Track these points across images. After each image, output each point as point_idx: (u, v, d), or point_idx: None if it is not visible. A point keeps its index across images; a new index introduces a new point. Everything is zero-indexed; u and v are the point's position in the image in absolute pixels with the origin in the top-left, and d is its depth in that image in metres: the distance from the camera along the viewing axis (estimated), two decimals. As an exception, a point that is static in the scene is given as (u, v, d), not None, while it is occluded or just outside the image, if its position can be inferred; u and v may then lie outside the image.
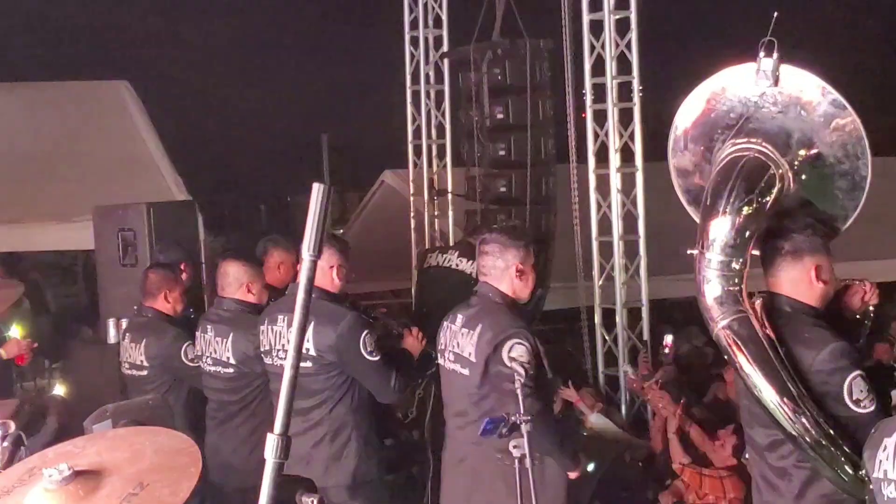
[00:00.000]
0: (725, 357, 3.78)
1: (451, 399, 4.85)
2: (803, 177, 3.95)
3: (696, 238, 3.77)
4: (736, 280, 3.68)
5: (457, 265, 6.97)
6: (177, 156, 11.73)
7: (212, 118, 19.65)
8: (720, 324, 3.65)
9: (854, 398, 3.51)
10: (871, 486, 2.79)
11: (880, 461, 2.72)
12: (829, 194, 3.98)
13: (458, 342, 4.75)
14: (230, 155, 19.85)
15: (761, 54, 3.84)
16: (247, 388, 5.64)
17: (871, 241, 11.98)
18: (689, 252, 3.81)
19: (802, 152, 3.92)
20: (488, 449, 4.55)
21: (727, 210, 3.71)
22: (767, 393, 3.55)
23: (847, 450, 3.48)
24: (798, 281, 3.78)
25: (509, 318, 4.68)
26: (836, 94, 3.90)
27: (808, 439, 3.52)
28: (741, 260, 3.71)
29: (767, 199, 3.79)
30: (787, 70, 3.88)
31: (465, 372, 4.70)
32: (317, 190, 2.04)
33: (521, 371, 4.43)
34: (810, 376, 3.59)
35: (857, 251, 11.87)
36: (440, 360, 4.93)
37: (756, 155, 3.88)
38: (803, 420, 3.51)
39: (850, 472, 3.49)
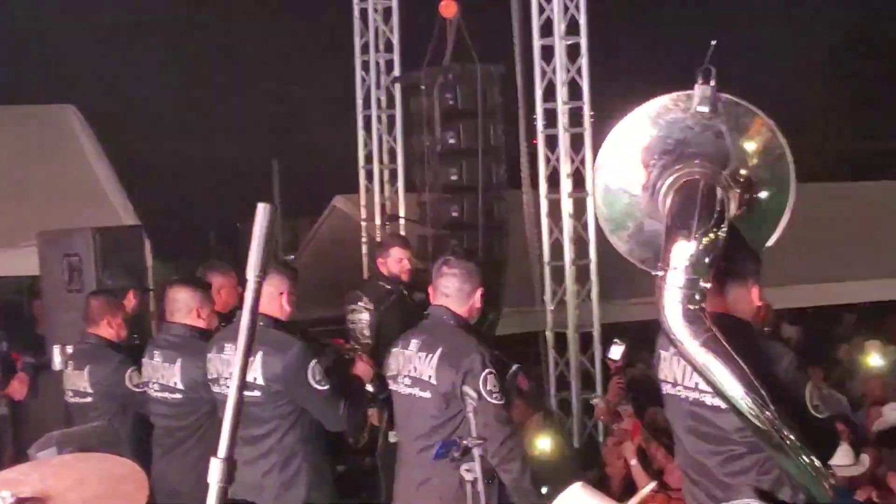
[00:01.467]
0: (699, 374, 3.84)
1: (409, 423, 4.81)
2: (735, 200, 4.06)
3: (661, 259, 3.81)
4: (698, 298, 3.74)
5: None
6: (126, 180, 11.60)
7: (161, 143, 19.51)
8: (698, 341, 3.69)
9: (813, 404, 3.78)
10: None
11: None
12: (754, 219, 4.10)
13: (415, 366, 4.72)
14: (180, 180, 19.70)
15: (699, 81, 3.87)
16: (194, 415, 5.58)
17: (816, 265, 12.14)
18: (656, 273, 3.84)
19: (737, 177, 4.01)
20: (451, 469, 4.52)
21: (696, 233, 3.76)
22: (744, 399, 3.66)
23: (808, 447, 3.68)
24: (740, 300, 4.00)
25: (467, 339, 4.74)
26: (769, 122, 3.99)
27: (774, 436, 3.66)
28: (705, 279, 3.77)
29: (725, 221, 3.86)
30: (723, 97, 3.93)
31: (426, 395, 4.68)
32: (261, 210, 2.00)
33: (474, 394, 4.43)
34: (776, 385, 3.74)
35: (801, 275, 12.04)
36: (393, 386, 4.90)
37: (708, 179, 3.93)
38: (775, 420, 3.65)
39: (811, 461, 3.69)
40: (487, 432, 4.52)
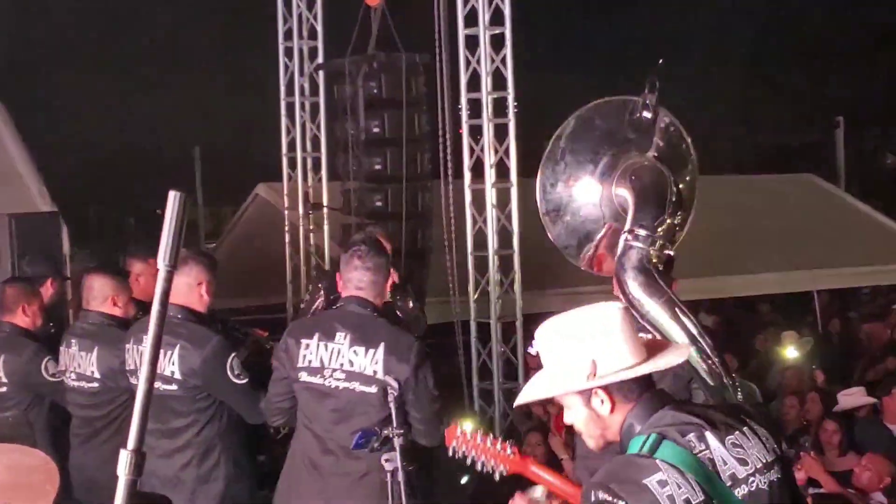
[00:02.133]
0: (655, 330, 4.14)
1: (345, 417, 4.70)
2: None
3: (630, 223, 4.21)
4: (660, 258, 4.17)
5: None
6: (43, 165, 11.38)
7: (80, 127, 19.18)
8: (662, 298, 4.07)
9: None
10: None
11: (671, 497, 2.65)
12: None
13: (351, 360, 4.66)
14: (99, 165, 19.38)
15: (647, 90, 4.33)
16: (112, 404, 5.51)
17: (733, 257, 12.33)
18: (624, 234, 4.21)
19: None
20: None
21: (669, 205, 4.22)
22: (704, 361, 4.14)
23: None
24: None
25: (401, 331, 4.80)
26: (685, 135, 4.55)
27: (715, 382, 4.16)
28: (668, 248, 4.23)
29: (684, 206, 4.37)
30: (663, 111, 4.43)
31: (369, 389, 4.61)
32: (172, 198, 1.98)
33: (395, 385, 4.42)
34: None
35: (718, 267, 12.23)
36: (311, 378, 4.77)
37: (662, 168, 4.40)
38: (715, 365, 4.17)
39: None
40: (431, 422, 4.60)
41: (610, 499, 2.59)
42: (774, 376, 11.76)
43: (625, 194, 4.39)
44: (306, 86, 11.51)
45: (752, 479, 2.69)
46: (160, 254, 2.01)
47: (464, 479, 6.71)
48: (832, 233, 14.41)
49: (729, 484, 2.66)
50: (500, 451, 3.55)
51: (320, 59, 11.28)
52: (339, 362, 4.69)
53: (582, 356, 2.73)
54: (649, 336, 4.01)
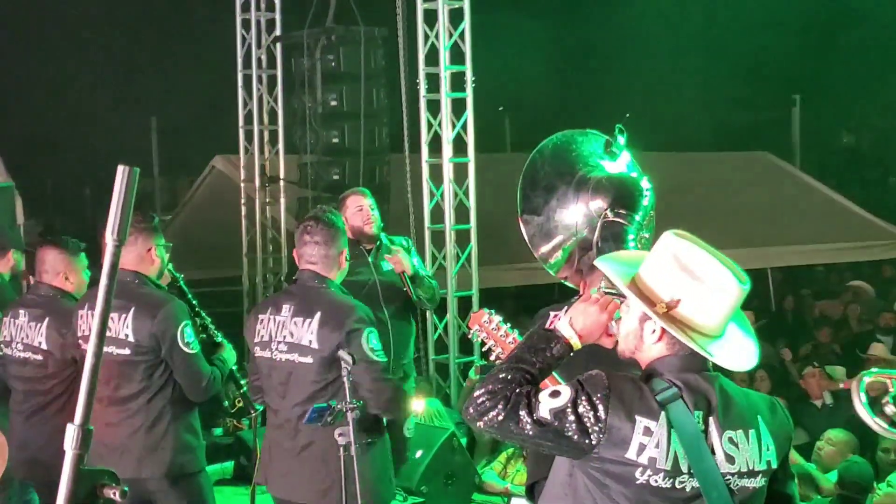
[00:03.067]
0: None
1: (288, 389, 4.74)
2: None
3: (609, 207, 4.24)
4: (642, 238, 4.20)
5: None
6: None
7: (33, 96, 18.93)
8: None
9: None
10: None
11: (642, 445, 2.74)
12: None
13: (291, 331, 4.68)
14: (53, 136, 19.15)
15: (616, 132, 4.43)
16: (56, 378, 5.45)
17: (692, 233, 12.42)
18: (605, 213, 4.24)
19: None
20: (334, 434, 4.53)
21: (645, 191, 4.30)
22: None
23: None
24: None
25: (343, 298, 4.73)
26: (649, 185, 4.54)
27: None
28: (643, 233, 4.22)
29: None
30: (626, 154, 4.51)
31: (307, 360, 4.62)
32: (121, 172, 1.97)
33: (348, 358, 4.43)
34: None
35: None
36: (263, 353, 4.80)
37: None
38: None
39: None
40: (374, 388, 4.56)
41: (597, 404, 2.68)
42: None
43: (599, 202, 4.50)
44: (264, 58, 11.45)
45: (728, 477, 2.75)
46: (108, 228, 2.00)
47: (417, 454, 6.75)
48: (786, 210, 14.55)
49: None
50: (510, 340, 3.53)
51: (278, 32, 11.22)
52: (283, 334, 4.71)
53: (678, 288, 2.78)
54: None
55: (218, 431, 8.71)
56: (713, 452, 2.74)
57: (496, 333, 3.60)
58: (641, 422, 2.68)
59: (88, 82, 19.06)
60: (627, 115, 4.66)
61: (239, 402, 7.90)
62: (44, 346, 5.43)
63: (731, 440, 2.76)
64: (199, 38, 16.61)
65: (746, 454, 2.78)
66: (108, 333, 5.06)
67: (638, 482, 2.74)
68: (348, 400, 4.35)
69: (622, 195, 4.32)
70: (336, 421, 4.37)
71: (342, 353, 4.46)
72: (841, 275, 15.69)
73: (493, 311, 3.68)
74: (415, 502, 6.74)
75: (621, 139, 4.53)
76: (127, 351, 4.91)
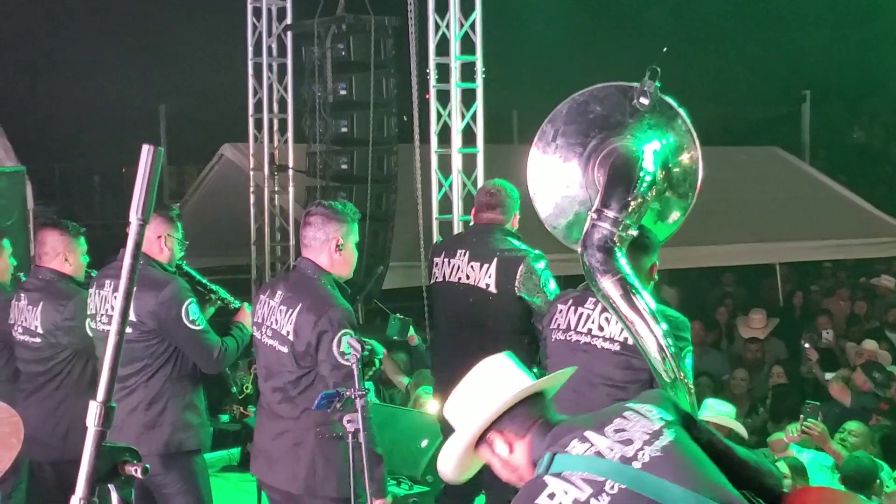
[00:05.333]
0: (609, 306, 4.29)
1: (270, 374, 4.78)
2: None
3: (598, 203, 4.35)
4: (623, 237, 4.29)
5: (466, 277, 5.64)
6: (7, 122, 11.27)
7: (44, 83, 18.97)
8: (615, 276, 4.21)
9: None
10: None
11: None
12: (656, 213, 4.75)
13: (277, 319, 4.69)
14: (64, 122, 19.17)
15: (647, 76, 4.45)
16: (53, 360, 5.53)
17: (696, 228, 12.42)
18: (589, 213, 4.35)
19: (662, 167, 4.63)
20: (308, 422, 4.58)
21: (634, 186, 4.33)
22: (647, 334, 4.17)
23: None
24: (643, 270, 4.45)
25: (328, 296, 4.63)
26: (691, 128, 4.66)
27: (665, 372, 4.17)
28: (631, 228, 4.32)
29: (654, 188, 4.52)
30: (663, 98, 4.54)
31: (284, 350, 4.65)
32: (146, 152, 1.97)
33: (358, 347, 4.42)
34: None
35: (681, 237, 12.31)
36: (257, 334, 4.84)
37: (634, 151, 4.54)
38: (668, 352, 4.17)
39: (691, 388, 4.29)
40: (326, 381, 4.55)
41: None
42: (736, 347, 11.94)
43: (601, 175, 4.52)
44: (274, 46, 11.44)
45: (640, 452, 2.74)
46: (132, 207, 2.01)
47: (423, 443, 6.77)
48: (796, 206, 14.53)
49: (623, 464, 2.72)
50: None
51: (289, 20, 11.21)
52: (271, 320, 4.74)
53: (467, 411, 2.93)
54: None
55: (225, 418, 8.74)
56: (611, 450, 2.72)
57: None
58: (542, 500, 2.66)
59: (98, 69, 19.08)
60: (665, 49, 4.48)
61: (247, 388, 7.95)
62: (39, 330, 5.50)
63: (615, 430, 2.78)
64: (209, 25, 16.62)
65: (637, 427, 2.78)
66: (110, 312, 5.12)
67: None
68: (357, 387, 4.36)
69: (614, 183, 4.33)
70: (345, 408, 4.39)
71: (351, 341, 4.46)
72: (851, 271, 15.67)
73: None
74: (420, 491, 6.74)
75: (649, 86, 4.46)
76: (129, 330, 4.94)
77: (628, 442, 2.74)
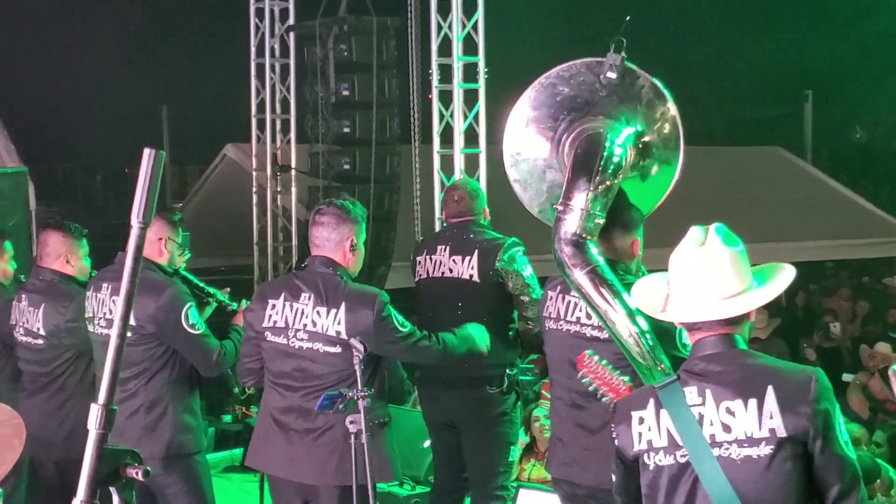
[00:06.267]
0: (582, 298, 4.24)
1: (306, 376, 4.68)
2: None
3: (562, 195, 4.28)
4: (590, 228, 4.23)
5: (450, 271, 5.77)
6: (9, 122, 11.29)
7: (47, 84, 18.97)
8: (582, 270, 4.16)
9: (682, 343, 4.11)
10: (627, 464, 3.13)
11: (640, 433, 3.02)
12: (641, 186, 4.60)
13: (314, 320, 4.65)
14: (66, 123, 19.20)
15: (611, 49, 4.31)
16: (56, 361, 5.51)
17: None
18: (555, 206, 4.30)
19: (637, 141, 4.51)
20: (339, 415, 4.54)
21: (595, 175, 4.23)
22: (621, 323, 4.10)
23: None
24: (622, 250, 4.44)
25: (362, 289, 4.71)
26: (664, 91, 4.48)
27: (642, 359, 4.09)
28: (599, 218, 4.25)
29: (622, 171, 4.38)
30: (630, 68, 4.39)
31: (332, 349, 4.59)
32: (147, 156, 1.98)
33: (360, 347, 4.42)
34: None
35: (683, 237, 12.31)
36: (278, 339, 4.77)
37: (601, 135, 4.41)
38: (644, 343, 4.08)
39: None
40: (416, 357, 4.77)
41: (613, 418, 3.15)
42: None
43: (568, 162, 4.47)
44: (277, 47, 11.46)
45: (728, 446, 2.87)
46: (133, 210, 2.02)
47: (426, 443, 6.77)
48: (798, 206, 14.52)
49: (708, 442, 2.88)
50: (616, 383, 3.75)
51: (291, 21, 11.22)
52: (303, 322, 4.68)
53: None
54: None
55: (227, 418, 8.74)
56: (711, 424, 2.90)
57: (598, 372, 3.77)
58: (635, 416, 3.03)
59: (100, 70, 19.10)
60: (627, 18, 4.37)
61: (249, 388, 7.95)
62: (41, 332, 5.49)
63: (727, 409, 2.89)
64: (211, 26, 16.63)
65: (745, 422, 2.87)
66: (107, 315, 5.12)
67: (649, 467, 2.97)
68: (360, 388, 4.36)
69: (577, 173, 4.27)
70: (347, 408, 4.38)
71: (353, 342, 4.46)
72: (856, 271, 15.67)
73: (591, 351, 3.83)
74: (422, 491, 6.75)
75: (615, 59, 4.33)
76: (128, 334, 4.92)
77: (727, 429, 2.94)
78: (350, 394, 4.36)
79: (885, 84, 22.40)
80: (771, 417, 2.86)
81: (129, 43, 19.64)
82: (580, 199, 4.20)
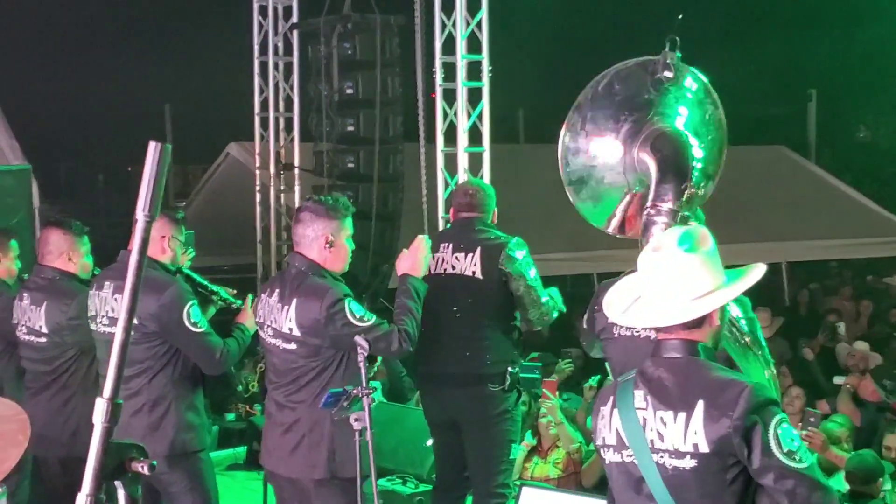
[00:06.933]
0: None
1: (277, 372, 4.80)
2: None
3: (652, 198, 4.19)
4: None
5: (452, 268, 5.70)
6: (13, 120, 11.30)
7: (50, 82, 18.99)
8: None
9: None
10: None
11: (599, 429, 3.09)
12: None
13: (275, 317, 4.70)
14: (69, 121, 19.21)
15: (667, 48, 4.27)
16: (59, 359, 5.51)
17: (725, 226, 12.40)
18: (646, 208, 4.20)
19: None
20: (321, 409, 4.57)
21: (689, 175, 4.21)
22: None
23: None
24: None
25: (318, 282, 4.67)
26: (715, 96, 4.48)
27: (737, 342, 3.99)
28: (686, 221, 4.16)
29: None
30: (684, 67, 4.37)
31: (290, 346, 4.66)
32: (153, 148, 1.97)
33: (365, 345, 4.43)
34: None
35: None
36: (261, 333, 4.87)
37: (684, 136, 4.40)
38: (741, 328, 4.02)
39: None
40: (379, 344, 4.64)
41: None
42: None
43: (647, 161, 4.38)
44: (280, 45, 11.46)
45: (662, 454, 2.92)
46: (139, 203, 2.01)
47: (428, 442, 6.76)
48: (801, 205, 14.50)
49: (649, 447, 2.95)
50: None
51: (295, 19, 11.22)
52: (272, 318, 4.75)
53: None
54: None
55: (231, 416, 8.74)
56: (651, 429, 2.94)
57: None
58: (599, 410, 3.10)
59: (104, 68, 19.10)
60: (680, 16, 4.32)
61: (252, 386, 7.95)
62: (44, 330, 5.48)
63: (661, 420, 2.93)
64: (215, 24, 16.62)
65: (672, 435, 2.90)
66: (110, 314, 5.12)
67: (605, 461, 3.07)
68: (364, 385, 4.36)
69: (667, 174, 4.18)
70: (351, 406, 4.38)
71: (358, 339, 4.46)
72: (860, 270, 15.64)
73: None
74: (425, 490, 6.74)
75: (671, 56, 4.25)
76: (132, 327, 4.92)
77: (661, 437, 2.98)
78: (354, 391, 4.37)
79: (890, 83, 22.38)
80: (695, 433, 2.87)
81: (132, 41, 19.65)
82: (672, 199, 4.15)
